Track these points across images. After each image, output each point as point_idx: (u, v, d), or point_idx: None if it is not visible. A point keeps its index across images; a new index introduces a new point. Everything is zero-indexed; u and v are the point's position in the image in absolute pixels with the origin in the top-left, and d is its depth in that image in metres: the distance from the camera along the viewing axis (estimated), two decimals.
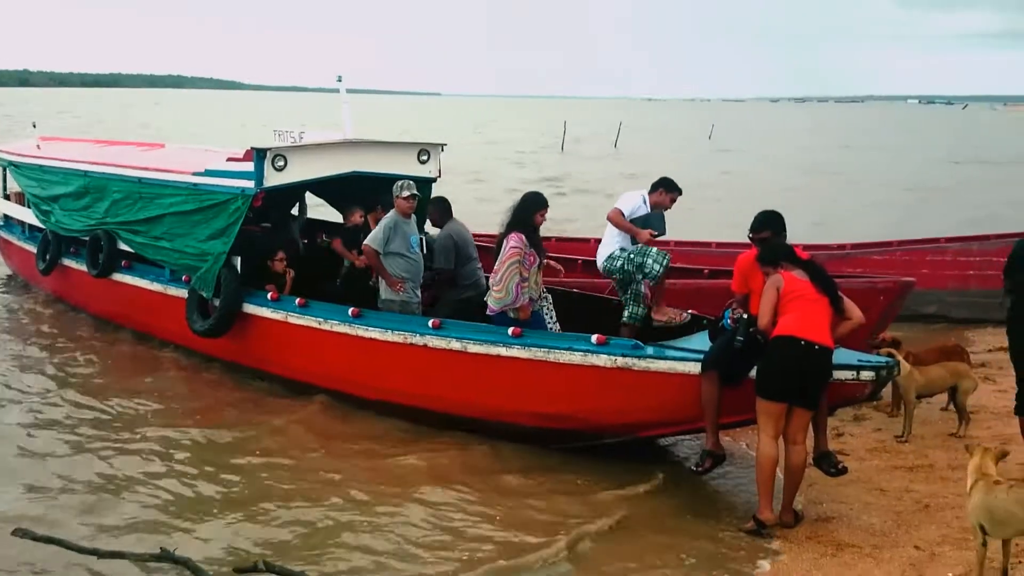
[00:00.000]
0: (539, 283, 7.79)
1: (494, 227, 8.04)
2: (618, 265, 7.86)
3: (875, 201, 25.96)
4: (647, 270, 7.69)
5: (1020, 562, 4.72)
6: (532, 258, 7.57)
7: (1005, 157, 45.47)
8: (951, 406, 7.86)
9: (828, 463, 6.14)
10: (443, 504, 6.36)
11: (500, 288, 7.46)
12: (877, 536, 5.61)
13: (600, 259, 8.05)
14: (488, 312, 7.59)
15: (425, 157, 9.53)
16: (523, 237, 7.52)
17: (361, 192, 9.31)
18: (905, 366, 7.47)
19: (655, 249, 7.81)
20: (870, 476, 6.64)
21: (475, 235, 8.94)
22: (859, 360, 6.33)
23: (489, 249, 8.04)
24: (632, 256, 7.79)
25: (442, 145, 9.77)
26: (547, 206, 7.80)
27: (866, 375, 6.16)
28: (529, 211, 7.66)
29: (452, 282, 8.44)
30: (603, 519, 6.12)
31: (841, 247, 12.78)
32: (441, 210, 8.68)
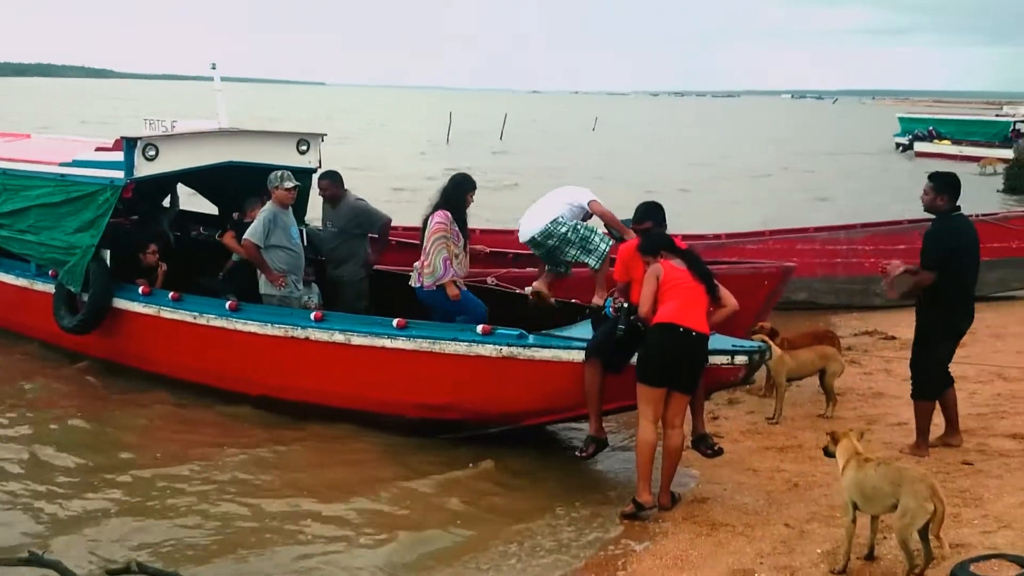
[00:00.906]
0: (465, 264, 7.79)
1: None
2: (562, 231, 7.75)
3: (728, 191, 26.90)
4: (592, 247, 7.74)
5: (885, 537, 4.94)
6: (457, 238, 7.59)
7: (833, 148, 47.87)
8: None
9: (705, 445, 6.35)
10: (325, 498, 6.32)
11: (428, 264, 7.48)
12: (750, 515, 5.81)
13: (541, 223, 7.81)
14: (425, 288, 7.57)
15: (305, 147, 9.34)
16: (448, 215, 7.55)
17: (237, 183, 9.07)
18: (776, 351, 7.73)
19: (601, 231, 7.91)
20: (743, 457, 6.88)
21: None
22: (733, 345, 6.55)
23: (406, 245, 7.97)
24: (579, 228, 7.81)
25: (322, 135, 9.60)
26: (475, 188, 7.86)
27: (740, 359, 6.38)
28: (460, 191, 7.72)
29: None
30: (483, 504, 6.21)
31: (717, 237, 13.17)
32: (339, 182, 8.58)
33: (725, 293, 6.23)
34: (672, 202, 9.59)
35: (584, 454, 6.51)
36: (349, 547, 5.67)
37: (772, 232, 13.44)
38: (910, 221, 13.39)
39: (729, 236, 13.19)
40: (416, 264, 7.71)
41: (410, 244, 11.13)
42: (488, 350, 6.78)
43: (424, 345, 7.01)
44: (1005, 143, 38.04)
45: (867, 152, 45.08)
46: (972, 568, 4.56)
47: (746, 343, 6.87)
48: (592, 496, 6.46)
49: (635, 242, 6.52)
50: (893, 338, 10.62)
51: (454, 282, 7.52)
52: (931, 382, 6.72)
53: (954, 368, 9.01)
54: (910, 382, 6.87)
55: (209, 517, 6.00)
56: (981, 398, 7.98)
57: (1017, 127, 41.34)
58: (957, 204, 6.76)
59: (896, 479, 4.64)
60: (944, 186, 6.72)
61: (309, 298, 8.19)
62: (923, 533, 4.56)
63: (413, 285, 7.72)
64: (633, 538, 5.65)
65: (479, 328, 6.89)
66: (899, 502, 4.56)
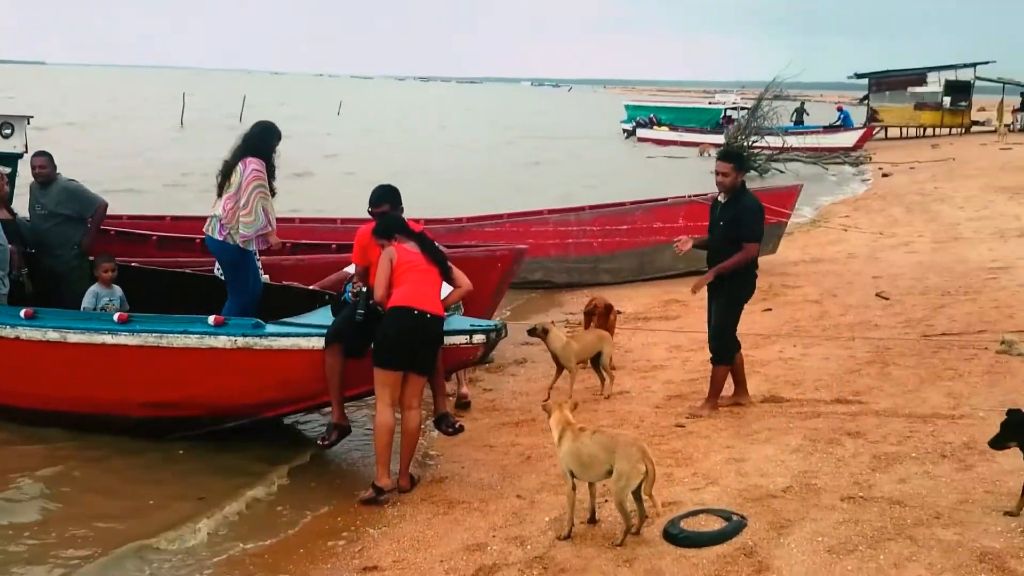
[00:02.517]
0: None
1: None
2: None
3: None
4: None
5: (606, 501, 5.27)
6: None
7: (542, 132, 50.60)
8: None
9: (446, 423, 6.47)
10: (58, 503, 6.02)
11: (248, 211, 7.08)
12: (485, 490, 6.01)
13: None
14: (241, 239, 7.16)
15: (8, 131, 8.52)
16: (264, 163, 7.19)
17: None
18: (560, 337, 7.93)
19: None
20: (481, 434, 7.09)
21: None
22: (472, 325, 6.71)
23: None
24: None
25: (28, 117, 8.79)
26: (281, 138, 7.51)
27: (478, 338, 6.53)
28: (268, 139, 7.35)
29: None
30: (217, 496, 6.09)
31: (458, 220, 13.46)
32: (53, 162, 7.95)
33: (459, 274, 6.37)
34: (416, 186, 9.69)
35: (326, 442, 6.45)
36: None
37: (510, 215, 13.92)
38: (633, 203, 14.36)
39: (469, 220, 13.52)
40: (216, 212, 7.25)
41: (136, 235, 10.51)
42: (222, 342, 6.53)
43: (150, 340, 6.62)
44: (717, 129, 41.45)
45: (597, 137, 47.62)
46: (682, 524, 4.98)
47: (484, 322, 7.06)
48: (334, 483, 6.42)
49: (372, 225, 6.51)
50: (620, 312, 11.34)
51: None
52: (732, 348, 7.17)
53: (671, 338, 9.87)
54: (711, 350, 7.22)
55: None
56: (693, 365, 8.69)
57: (728, 114, 45.15)
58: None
59: (610, 445, 4.96)
60: (740, 165, 7.18)
61: (111, 300, 7.44)
62: (638, 494, 4.90)
63: (212, 235, 7.26)
64: (371, 523, 5.67)
65: (211, 319, 6.62)
66: (613, 467, 4.87)
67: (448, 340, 6.40)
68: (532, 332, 8.22)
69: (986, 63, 45.51)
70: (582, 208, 14.23)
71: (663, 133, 43.63)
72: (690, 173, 27.89)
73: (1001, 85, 46.05)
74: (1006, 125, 42.91)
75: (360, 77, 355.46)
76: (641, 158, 36.18)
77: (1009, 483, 5.18)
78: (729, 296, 7.07)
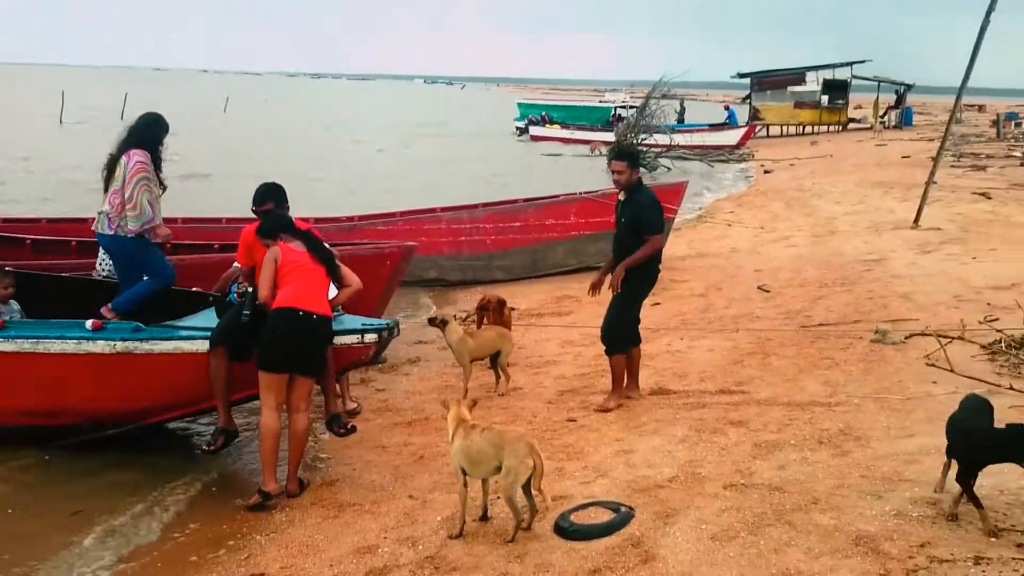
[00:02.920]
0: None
1: None
2: None
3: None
4: None
5: (498, 498, 5.28)
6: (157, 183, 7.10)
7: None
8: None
9: (338, 424, 6.39)
10: None
11: (133, 205, 6.87)
12: (377, 491, 5.95)
13: None
14: (128, 233, 6.98)
15: None
16: (148, 155, 7.01)
17: None
18: (457, 331, 7.88)
19: None
20: (373, 435, 7.03)
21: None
22: (363, 324, 6.63)
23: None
24: None
25: None
26: (168, 131, 7.34)
27: (370, 338, 6.47)
28: (155, 131, 7.19)
29: None
30: (111, 515, 5.85)
31: (350, 219, 13.29)
32: None
33: (347, 273, 6.28)
34: (312, 185, 9.53)
35: (213, 447, 6.30)
36: None
37: (403, 214, 13.83)
38: (525, 200, 14.45)
39: (362, 218, 13.38)
40: (103, 208, 7.04)
41: (9, 239, 10.00)
42: (101, 347, 6.34)
43: (26, 346, 6.37)
44: (607, 127, 42.13)
45: (492, 135, 47.76)
46: (572, 517, 5.04)
47: (375, 321, 7.00)
48: (221, 490, 6.27)
49: (256, 225, 6.38)
50: (514, 309, 11.41)
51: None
52: (625, 337, 7.27)
53: (563, 333, 9.98)
54: (603, 341, 7.30)
55: None
56: (585, 359, 8.83)
57: (617, 112, 45.93)
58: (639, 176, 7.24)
59: (498, 442, 4.97)
60: (633, 162, 7.23)
61: (9, 317, 6.95)
62: (528, 489, 4.93)
63: (102, 231, 7.06)
64: (258, 530, 5.54)
65: (88, 323, 6.41)
66: (502, 463, 4.90)
67: (339, 340, 6.33)
68: (432, 322, 8.20)
69: (862, 62, 47.54)
70: (475, 206, 14.25)
71: (555, 131, 44.10)
72: (583, 170, 28.28)
73: (876, 83, 48.27)
74: (881, 122, 45.00)
75: (248, 73, 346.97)
76: (536, 155, 36.47)
77: (883, 468, 5.43)
78: (631, 288, 7.16)
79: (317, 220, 12.83)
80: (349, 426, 6.44)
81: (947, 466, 4.90)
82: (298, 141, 39.00)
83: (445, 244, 13.16)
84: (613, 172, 7.19)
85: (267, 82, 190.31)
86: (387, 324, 6.72)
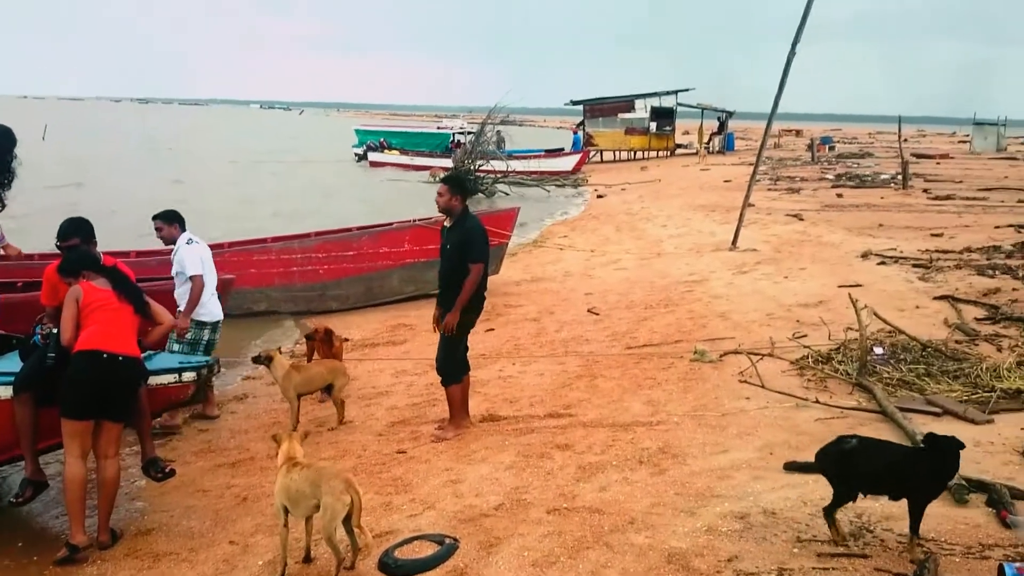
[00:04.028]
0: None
1: None
2: None
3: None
4: None
5: (321, 538, 5.16)
6: None
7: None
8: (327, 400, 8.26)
9: (155, 469, 6.13)
10: None
11: None
12: (195, 538, 5.71)
13: None
14: None
15: None
16: None
17: None
18: (283, 366, 7.66)
19: None
20: (194, 478, 6.75)
21: None
22: (180, 362, 6.38)
23: None
24: None
25: None
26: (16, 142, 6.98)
27: (188, 376, 6.25)
28: (4, 144, 6.97)
29: None
30: None
31: (158, 252, 12.76)
32: None
33: (158, 310, 6.04)
34: (137, 216, 9.15)
35: (21, 499, 5.91)
36: None
37: (231, 244, 13.44)
38: (358, 228, 14.34)
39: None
40: None
41: None
42: None
43: None
44: (447, 153, 42.41)
45: (331, 161, 47.14)
46: (396, 553, 4.98)
47: (194, 359, 6.76)
48: (29, 544, 5.88)
49: (59, 262, 6.06)
50: (347, 339, 11.26)
51: None
52: (460, 367, 7.28)
53: (397, 362, 9.91)
54: (439, 373, 7.31)
55: None
56: (417, 388, 8.80)
57: (457, 138, 46.33)
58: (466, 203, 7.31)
59: (315, 479, 4.87)
60: (457, 187, 7.24)
61: None
62: (349, 527, 4.85)
63: None
64: None
65: None
66: (320, 501, 4.80)
67: (155, 380, 6.07)
68: (257, 360, 7.99)
69: (686, 90, 49.91)
70: (307, 235, 14.02)
71: (394, 157, 44.03)
72: (423, 196, 28.29)
73: (700, 111, 50.77)
74: (706, 147, 47.29)
75: (70, 99, 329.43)
76: (376, 182, 36.25)
77: (697, 484, 5.65)
78: (459, 319, 7.20)
79: (139, 253, 12.30)
80: (168, 469, 6.20)
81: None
82: (126, 170, 37.27)
83: (276, 275, 12.88)
84: (438, 195, 7.26)
85: (90, 108, 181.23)
86: (206, 362, 6.51)
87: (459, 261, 7.10)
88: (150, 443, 6.32)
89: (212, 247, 13.16)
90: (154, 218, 8.25)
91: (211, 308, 8.09)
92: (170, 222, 8.13)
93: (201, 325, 7.95)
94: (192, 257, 7.93)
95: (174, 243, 8.09)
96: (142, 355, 5.93)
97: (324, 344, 8.71)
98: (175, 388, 6.29)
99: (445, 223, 7.41)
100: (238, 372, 9.61)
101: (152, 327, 6.11)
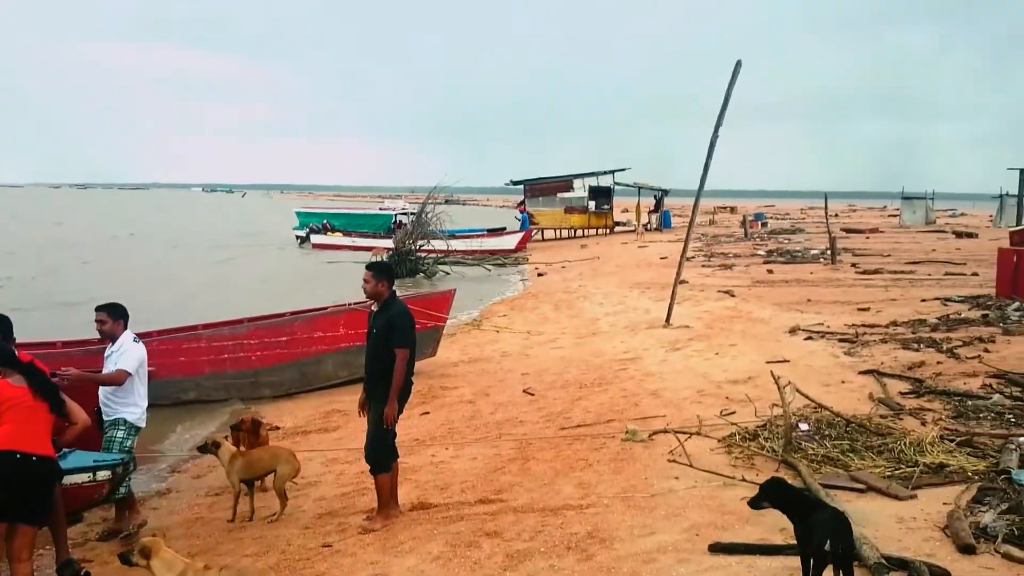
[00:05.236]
0: None
1: None
2: None
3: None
4: None
5: None
6: None
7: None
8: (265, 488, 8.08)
9: (70, 571, 5.98)
10: None
11: None
12: None
13: None
14: None
15: None
16: None
17: None
18: (229, 450, 7.58)
19: None
20: None
21: None
22: (95, 461, 6.24)
23: None
24: None
25: None
26: None
27: (102, 475, 6.11)
28: None
29: None
30: None
31: (102, 342, 12.49)
32: None
33: (74, 409, 5.91)
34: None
35: None
36: None
37: (160, 332, 13.20)
38: (292, 313, 14.23)
39: (101, 341, 12.58)
40: None
41: None
42: None
43: None
44: (389, 234, 42.57)
45: (274, 244, 46.98)
46: None
47: (108, 457, 6.61)
48: None
49: None
50: (278, 427, 11.09)
51: None
52: (390, 455, 7.18)
53: (328, 453, 9.76)
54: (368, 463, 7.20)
55: None
56: (347, 477, 8.66)
57: (399, 219, 46.57)
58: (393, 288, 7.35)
59: None
60: (381, 273, 7.26)
61: None
62: None
63: None
64: None
65: None
66: None
67: (69, 480, 5.92)
68: (204, 449, 7.86)
69: (623, 170, 51.01)
70: (239, 321, 13.88)
71: (337, 239, 44.06)
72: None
73: (637, 189, 51.85)
74: (643, 225, 48.18)
75: (8, 186, 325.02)
76: (317, 264, 36.12)
77: (623, 569, 5.63)
78: (379, 402, 7.12)
79: (65, 343, 12.03)
80: (83, 572, 6.01)
81: None
82: (64, 258, 36.67)
83: (206, 363, 12.66)
84: (364, 281, 7.28)
85: (28, 194, 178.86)
86: (121, 459, 6.38)
87: (384, 346, 7.09)
88: (64, 544, 6.15)
89: (140, 335, 13.05)
90: (98, 309, 7.74)
91: (139, 412, 7.54)
92: (115, 317, 7.64)
93: (122, 424, 7.37)
94: (133, 357, 7.54)
95: (114, 339, 7.63)
96: (56, 454, 5.78)
97: (250, 435, 8.57)
98: (90, 487, 6.14)
99: (372, 308, 7.43)
100: (160, 466, 9.37)
101: (67, 425, 5.96)
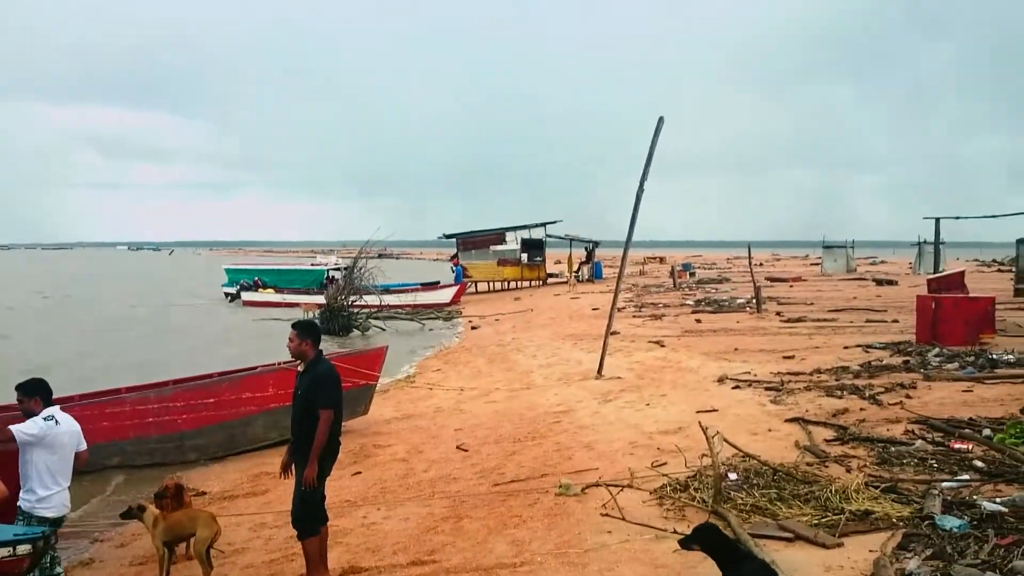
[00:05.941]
0: None
1: None
2: None
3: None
4: None
5: None
6: None
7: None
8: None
9: None
10: None
11: None
12: None
13: None
14: None
15: None
16: None
17: None
18: (152, 513, 7.48)
19: None
20: None
21: None
22: (15, 535, 5.99)
23: None
24: None
25: None
26: None
27: (22, 549, 5.87)
28: None
29: None
30: None
31: (10, 408, 12.07)
32: None
33: None
34: None
35: None
36: None
37: (81, 396, 12.84)
38: (220, 374, 13.98)
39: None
40: None
41: None
42: None
43: None
44: (321, 290, 42.16)
45: (203, 302, 46.18)
46: None
47: (30, 530, 6.35)
48: None
49: None
50: (204, 492, 10.82)
51: None
52: (317, 519, 7.04)
53: (256, 517, 9.55)
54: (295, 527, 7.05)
55: None
56: (276, 543, 8.48)
57: (331, 275, 46.22)
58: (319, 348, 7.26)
59: None
60: (306, 333, 7.17)
61: None
62: None
63: None
64: None
65: None
66: None
67: None
68: (128, 515, 7.65)
69: (554, 222, 51.58)
70: (164, 384, 13.56)
71: (268, 295, 43.52)
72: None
73: (568, 241, 52.43)
74: (576, 276, 48.66)
75: None
76: (246, 322, 35.57)
77: None
78: (317, 466, 6.99)
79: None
80: None
81: None
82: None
83: (131, 427, 12.34)
84: (288, 340, 7.23)
85: None
86: (42, 532, 6.13)
87: (309, 407, 7.00)
88: None
89: (61, 400, 12.66)
90: (17, 388, 7.03)
91: (57, 500, 6.77)
92: (30, 395, 6.92)
93: (19, 513, 6.69)
94: (31, 425, 6.76)
95: (33, 415, 6.87)
96: None
97: (174, 500, 8.34)
98: (9, 562, 5.87)
99: (299, 367, 7.36)
100: (82, 536, 9.05)
101: None
